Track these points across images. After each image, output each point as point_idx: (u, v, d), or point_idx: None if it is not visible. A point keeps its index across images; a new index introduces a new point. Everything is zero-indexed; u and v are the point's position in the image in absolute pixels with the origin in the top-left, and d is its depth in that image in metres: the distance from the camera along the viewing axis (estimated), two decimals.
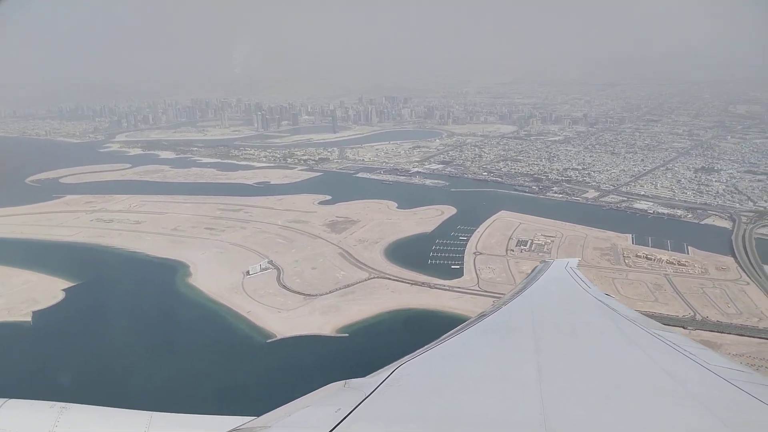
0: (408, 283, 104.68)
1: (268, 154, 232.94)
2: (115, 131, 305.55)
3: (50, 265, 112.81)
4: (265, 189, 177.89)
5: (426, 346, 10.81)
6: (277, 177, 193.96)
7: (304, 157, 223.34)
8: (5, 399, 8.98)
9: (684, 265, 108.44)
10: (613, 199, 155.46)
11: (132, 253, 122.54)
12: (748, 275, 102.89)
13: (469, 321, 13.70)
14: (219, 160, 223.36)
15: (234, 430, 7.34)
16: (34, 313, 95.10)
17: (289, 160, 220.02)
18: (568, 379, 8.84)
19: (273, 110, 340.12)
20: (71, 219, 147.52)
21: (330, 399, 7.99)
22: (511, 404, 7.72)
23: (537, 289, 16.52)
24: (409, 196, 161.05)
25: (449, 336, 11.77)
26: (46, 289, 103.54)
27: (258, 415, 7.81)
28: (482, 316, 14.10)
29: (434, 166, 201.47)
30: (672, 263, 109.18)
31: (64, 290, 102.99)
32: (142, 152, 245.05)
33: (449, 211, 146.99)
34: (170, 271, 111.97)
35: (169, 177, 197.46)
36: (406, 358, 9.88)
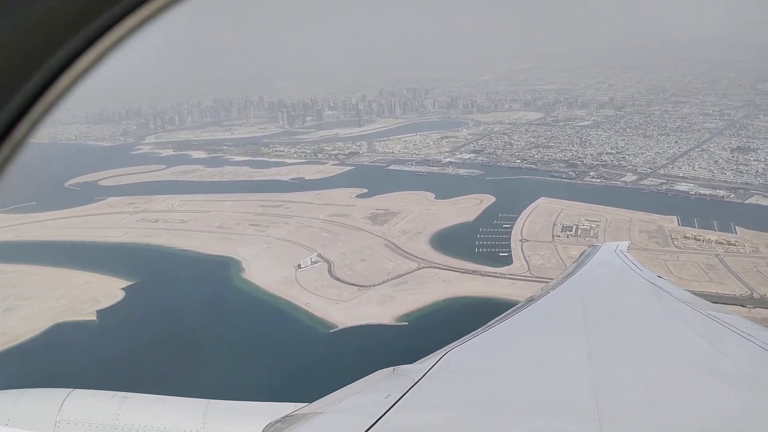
0: (459, 271, 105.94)
1: (297, 150, 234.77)
2: (144, 133, 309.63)
3: (105, 266, 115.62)
4: (301, 185, 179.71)
5: (473, 332, 10.75)
6: (310, 172, 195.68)
7: (334, 152, 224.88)
8: (71, 389, 9.45)
9: (734, 244, 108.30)
10: (652, 182, 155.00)
11: (182, 251, 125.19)
12: None
13: (517, 306, 13.63)
14: (251, 158, 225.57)
15: (288, 415, 7.63)
16: (98, 312, 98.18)
17: (320, 156, 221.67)
18: (620, 365, 8.62)
19: (296, 107, 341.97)
20: (117, 220, 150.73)
21: (380, 385, 8.06)
22: (561, 391, 7.59)
23: (586, 273, 16.11)
24: (446, 187, 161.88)
25: (497, 322, 11.69)
26: (106, 289, 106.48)
27: (310, 402, 7.99)
28: (530, 301, 13.96)
29: (466, 156, 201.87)
30: (721, 243, 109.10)
31: (123, 289, 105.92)
32: (174, 153, 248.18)
33: (488, 199, 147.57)
34: (223, 268, 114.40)
35: (204, 176, 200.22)
36: (453, 344, 9.86)
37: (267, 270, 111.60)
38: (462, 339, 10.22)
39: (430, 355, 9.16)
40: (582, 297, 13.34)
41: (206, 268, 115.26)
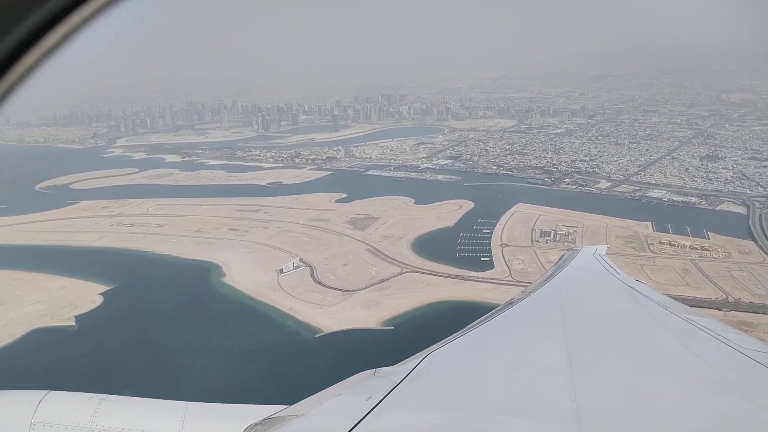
0: (441, 276, 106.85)
1: (274, 154, 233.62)
2: (115, 136, 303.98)
3: (82, 271, 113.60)
4: (278, 189, 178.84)
5: (454, 335, 10.77)
6: (288, 177, 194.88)
7: (311, 157, 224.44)
8: (47, 391, 9.25)
9: (707, 250, 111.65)
10: (626, 189, 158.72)
11: (161, 256, 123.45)
12: None
13: (497, 309, 13.72)
14: (226, 162, 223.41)
15: (267, 418, 7.54)
16: (76, 317, 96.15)
17: (297, 160, 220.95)
18: (599, 367, 8.68)
19: (271, 111, 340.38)
20: (91, 224, 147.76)
21: (360, 387, 8.09)
22: (540, 393, 7.64)
23: (565, 276, 16.32)
24: (425, 192, 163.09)
25: (477, 324, 11.73)
26: (83, 294, 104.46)
27: (291, 404, 7.99)
28: (510, 303, 13.98)
29: (443, 162, 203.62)
30: (695, 248, 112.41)
31: (101, 294, 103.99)
32: (147, 156, 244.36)
33: (467, 205, 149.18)
34: (204, 272, 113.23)
35: (180, 180, 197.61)
36: (434, 346, 9.86)
37: (248, 274, 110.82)
38: (443, 341, 10.28)
39: (410, 357, 9.24)
40: (561, 300, 13.52)
41: (186, 273, 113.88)
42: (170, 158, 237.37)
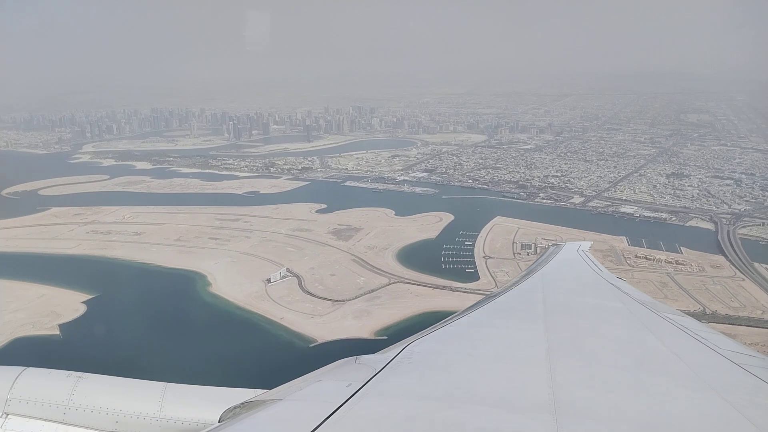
0: (429, 286, 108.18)
1: (248, 163, 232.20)
2: (81, 142, 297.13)
3: (60, 279, 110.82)
4: (256, 198, 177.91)
5: (436, 325, 10.84)
6: (265, 186, 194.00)
7: (287, 167, 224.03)
8: (24, 367, 9.30)
9: (682, 264, 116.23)
10: (598, 204, 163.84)
11: (142, 264, 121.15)
12: (741, 272, 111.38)
13: (479, 300, 13.80)
14: (199, 170, 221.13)
15: (246, 401, 7.50)
16: (60, 326, 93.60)
17: (272, 170, 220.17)
18: (577, 361, 8.83)
19: (241, 119, 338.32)
20: (66, 231, 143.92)
21: (341, 374, 8.12)
22: (519, 384, 7.72)
23: (548, 270, 16.41)
24: (404, 204, 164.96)
25: (459, 315, 11.81)
26: (65, 302, 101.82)
27: (270, 388, 7.90)
28: (493, 295, 14.10)
29: (419, 174, 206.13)
30: (670, 262, 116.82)
31: (83, 303, 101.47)
32: (116, 163, 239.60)
33: (447, 217, 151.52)
34: (188, 281, 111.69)
35: (153, 188, 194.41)
36: (416, 335, 9.91)
37: (235, 284, 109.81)
38: (424, 331, 10.34)
39: (392, 346, 9.25)
40: (544, 294, 13.63)
41: (170, 282, 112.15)
42: (141, 165, 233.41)
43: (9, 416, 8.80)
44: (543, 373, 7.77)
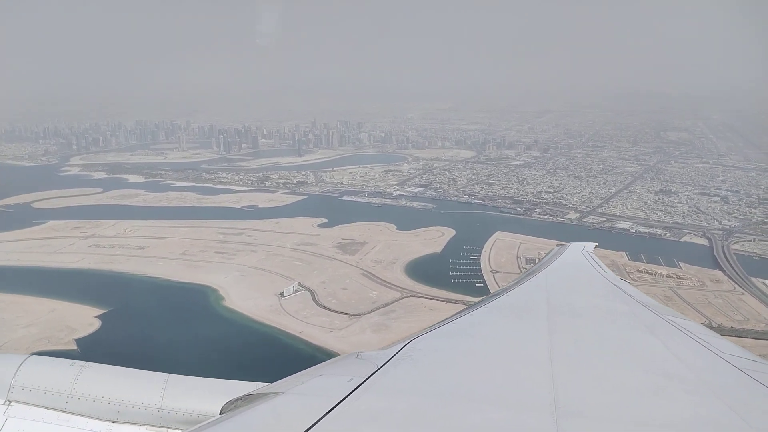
0: (442, 300, 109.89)
1: (242, 177, 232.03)
2: (68, 154, 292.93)
3: (69, 293, 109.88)
4: (256, 212, 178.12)
5: (438, 323, 10.94)
6: (262, 200, 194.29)
7: (281, 181, 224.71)
8: (27, 354, 9.37)
9: (682, 278, 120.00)
10: (594, 220, 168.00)
11: (151, 278, 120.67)
12: (740, 287, 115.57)
13: (483, 299, 13.94)
14: (194, 184, 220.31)
15: (248, 394, 7.55)
16: (77, 341, 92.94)
17: (267, 184, 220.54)
18: (580, 362, 8.84)
19: (229, 132, 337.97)
20: (67, 245, 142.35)
21: (342, 369, 8.22)
22: (520, 384, 7.77)
23: (552, 270, 16.54)
24: (404, 218, 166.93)
25: (462, 313, 11.92)
26: (78, 317, 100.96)
27: (271, 382, 7.94)
28: (496, 294, 14.26)
29: (414, 189, 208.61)
30: (671, 277, 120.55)
31: (97, 317, 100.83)
32: (108, 176, 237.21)
33: (449, 232, 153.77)
34: (201, 295, 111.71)
35: (149, 201, 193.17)
36: (418, 332, 9.98)
37: (248, 298, 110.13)
38: (427, 328, 10.48)
39: (394, 343, 9.29)
40: (548, 293, 13.73)
41: (182, 296, 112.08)
42: (133, 178, 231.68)
43: (12, 403, 8.80)
44: (544, 373, 7.83)
